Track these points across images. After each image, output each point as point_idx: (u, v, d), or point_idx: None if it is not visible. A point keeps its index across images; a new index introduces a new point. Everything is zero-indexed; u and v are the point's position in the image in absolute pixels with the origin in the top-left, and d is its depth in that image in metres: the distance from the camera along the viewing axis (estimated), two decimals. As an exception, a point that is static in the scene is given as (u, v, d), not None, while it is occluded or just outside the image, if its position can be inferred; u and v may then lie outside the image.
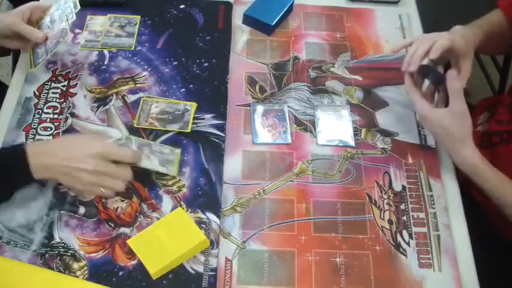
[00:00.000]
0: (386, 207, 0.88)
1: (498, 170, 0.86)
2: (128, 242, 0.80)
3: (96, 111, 0.95)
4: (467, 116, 0.85)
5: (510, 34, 1.00)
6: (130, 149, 0.88)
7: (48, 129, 0.92)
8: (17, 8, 0.96)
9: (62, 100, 0.96)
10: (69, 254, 0.79)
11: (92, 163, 0.77)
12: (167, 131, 0.93)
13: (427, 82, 0.93)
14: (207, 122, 0.95)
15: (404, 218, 0.87)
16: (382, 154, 0.94)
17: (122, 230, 0.82)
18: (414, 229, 0.86)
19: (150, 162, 0.87)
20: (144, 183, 0.87)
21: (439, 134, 0.89)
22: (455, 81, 0.85)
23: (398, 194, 0.89)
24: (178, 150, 0.90)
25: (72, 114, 0.94)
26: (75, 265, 0.79)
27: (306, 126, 0.97)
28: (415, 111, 0.92)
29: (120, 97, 0.97)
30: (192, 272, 0.79)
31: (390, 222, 0.86)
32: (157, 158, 0.88)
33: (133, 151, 0.87)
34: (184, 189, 0.87)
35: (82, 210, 0.84)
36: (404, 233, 0.85)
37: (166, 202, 0.86)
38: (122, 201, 0.85)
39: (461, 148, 0.86)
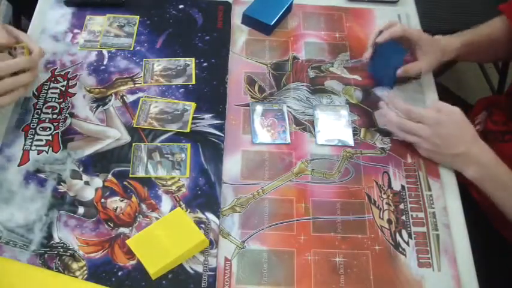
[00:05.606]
0: (385, 206, 0.88)
1: None
2: (127, 242, 0.80)
3: (95, 111, 0.95)
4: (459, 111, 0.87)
5: (510, 38, 1.00)
6: (22, 57, 0.87)
7: (48, 130, 0.92)
8: None
9: (61, 100, 0.96)
10: (69, 254, 0.79)
11: None
12: (166, 131, 0.93)
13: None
14: (206, 122, 0.95)
15: (404, 217, 0.87)
16: (381, 154, 0.94)
17: (121, 230, 0.82)
18: (413, 229, 0.86)
19: (162, 170, 0.88)
20: (143, 183, 0.87)
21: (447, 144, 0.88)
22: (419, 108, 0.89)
23: (397, 194, 0.89)
24: (187, 145, 0.90)
25: (71, 115, 0.94)
26: (75, 265, 0.78)
27: (305, 126, 0.97)
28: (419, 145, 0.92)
29: (119, 97, 0.97)
30: (192, 272, 0.79)
31: (389, 221, 0.86)
32: (169, 162, 0.88)
33: (26, 58, 0.86)
34: (184, 189, 0.87)
35: (81, 210, 0.84)
36: (404, 232, 0.85)
37: (166, 202, 0.86)
38: (121, 201, 0.85)
39: (473, 146, 0.86)
